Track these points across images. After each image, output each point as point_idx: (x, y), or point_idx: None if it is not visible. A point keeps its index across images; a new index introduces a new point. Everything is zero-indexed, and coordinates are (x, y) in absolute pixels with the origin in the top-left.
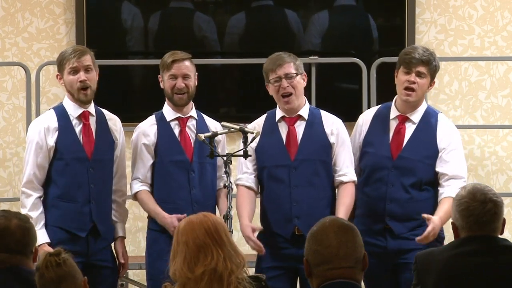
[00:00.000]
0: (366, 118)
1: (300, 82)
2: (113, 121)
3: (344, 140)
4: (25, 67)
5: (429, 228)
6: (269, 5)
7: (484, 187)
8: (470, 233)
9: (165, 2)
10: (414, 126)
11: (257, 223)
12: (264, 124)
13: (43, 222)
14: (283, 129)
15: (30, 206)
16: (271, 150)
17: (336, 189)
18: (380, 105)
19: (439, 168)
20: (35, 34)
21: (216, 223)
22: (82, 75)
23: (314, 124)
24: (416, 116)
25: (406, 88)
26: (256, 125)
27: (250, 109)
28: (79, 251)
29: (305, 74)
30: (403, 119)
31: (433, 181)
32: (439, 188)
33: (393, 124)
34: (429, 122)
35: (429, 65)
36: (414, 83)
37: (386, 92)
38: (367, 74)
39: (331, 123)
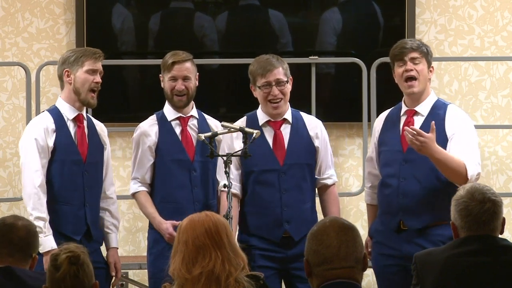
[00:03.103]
0: (379, 121)
1: (289, 87)
2: (100, 126)
3: (326, 142)
4: (25, 67)
5: (423, 133)
6: (256, 4)
7: (482, 187)
8: (469, 233)
9: (165, 2)
10: (423, 119)
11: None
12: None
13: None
14: (269, 133)
15: (45, 210)
16: (258, 155)
17: (318, 191)
18: (392, 107)
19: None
20: (35, 34)
21: (217, 224)
22: (98, 78)
23: (299, 127)
24: (424, 109)
25: (407, 79)
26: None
27: (241, 109)
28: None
29: (291, 77)
30: (412, 113)
31: None
32: None
33: (403, 120)
34: (437, 114)
35: (420, 49)
36: (412, 70)
37: (386, 92)
38: (367, 74)
39: (314, 126)
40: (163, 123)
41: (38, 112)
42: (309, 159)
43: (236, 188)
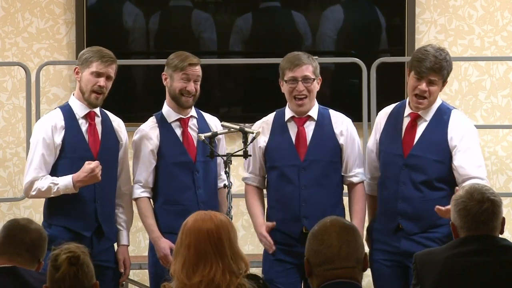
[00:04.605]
0: (382, 116)
1: (316, 86)
2: (117, 122)
3: (354, 139)
4: (25, 67)
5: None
6: (276, 6)
7: (482, 187)
8: (469, 233)
9: (164, 1)
10: (426, 124)
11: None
12: (273, 123)
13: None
14: (292, 129)
15: (49, 180)
16: (280, 150)
17: (347, 188)
18: (397, 103)
19: (455, 170)
20: (35, 34)
21: (220, 229)
22: (102, 81)
23: (323, 124)
24: (429, 114)
25: (417, 96)
26: (264, 124)
27: (256, 109)
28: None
29: (320, 78)
30: (415, 117)
31: (447, 180)
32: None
33: (406, 122)
34: (441, 119)
35: (441, 71)
36: (425, 91)
37: (386, 92)
38: (367, 74)
39: (340, 123)
40: (164, 125)
41: (38, 112)
42: (333, 156)
43: (256, 181)
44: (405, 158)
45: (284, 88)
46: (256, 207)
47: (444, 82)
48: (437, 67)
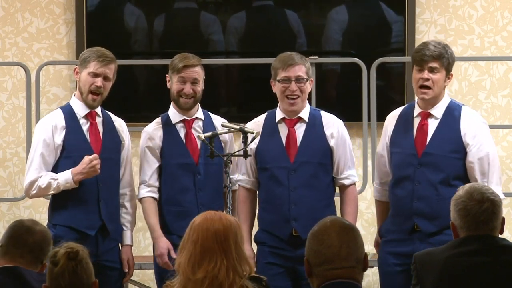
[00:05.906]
0: (391, 118)
1: (308, 87)
2: (119, 122)
3: (345, 141)
4: (25, 67)
5: None
6: (269, 5)
7: (482, 187)
8: (468, 232)
9: (167, 2)
10: (437, 121)
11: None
12: (264, 124)
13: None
14: (283, 131)
15: (49, 176)
16: (271, 152)
17: (338, 190)
18: (405, 105)
19: (471, 168)
20: (35, 34)
21: (228, 230)
22: (99, 81)
23: (314, 126)
24: (439, 111)
25: (421, 86)
26: (255, 125)
27: (251, 109)
28: (89, 252)
29: (312, 79)
30: (426, 115)
31: (463, 177)
32: None
33: (416, 122)
34: (452, 115)
35: (441, 58)
36: (427, 80)
37: (386, 92)
38: (367, 74)
39: (331, 125)
40: (168, 126)
41: (38, 112)
42: (323, 158)
43: (249, 184)
44: (419, 157)
45: (276, 88)
46: (243, 222)
47: (447, 72)
48: (436, 53)
